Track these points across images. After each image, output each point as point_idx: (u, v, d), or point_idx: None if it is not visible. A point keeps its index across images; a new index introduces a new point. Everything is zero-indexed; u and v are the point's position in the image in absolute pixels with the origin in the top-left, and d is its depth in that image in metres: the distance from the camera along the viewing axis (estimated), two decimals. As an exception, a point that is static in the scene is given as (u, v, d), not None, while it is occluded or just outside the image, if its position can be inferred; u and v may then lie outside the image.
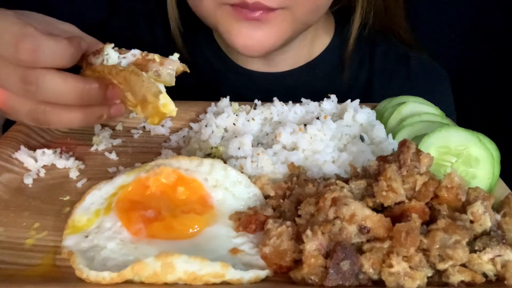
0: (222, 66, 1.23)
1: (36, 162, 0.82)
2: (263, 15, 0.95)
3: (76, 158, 0.84)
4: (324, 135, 0.82)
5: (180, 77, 1.25)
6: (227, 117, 0.90)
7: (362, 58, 1.26)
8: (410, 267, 0.55)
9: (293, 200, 0.68)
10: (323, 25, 1.25)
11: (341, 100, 0.96)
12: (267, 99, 0.97)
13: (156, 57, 0.72)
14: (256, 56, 1.01)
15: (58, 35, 0.67)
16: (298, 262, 0.59)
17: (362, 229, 0.58)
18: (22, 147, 0.84)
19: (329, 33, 1.27)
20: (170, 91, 1.06)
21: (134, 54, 0.72)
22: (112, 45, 0.73)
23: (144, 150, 0.89)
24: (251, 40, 0.98)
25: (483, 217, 0.61)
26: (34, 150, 0.84)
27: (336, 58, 1.24)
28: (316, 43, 1.24)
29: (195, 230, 0.64)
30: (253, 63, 1.21)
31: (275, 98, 0.95)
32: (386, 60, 1.27)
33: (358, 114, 0.89)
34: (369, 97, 1.00)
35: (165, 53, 0.74)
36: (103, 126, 0.95)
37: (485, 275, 0.58)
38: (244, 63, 1.22)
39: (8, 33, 0.64)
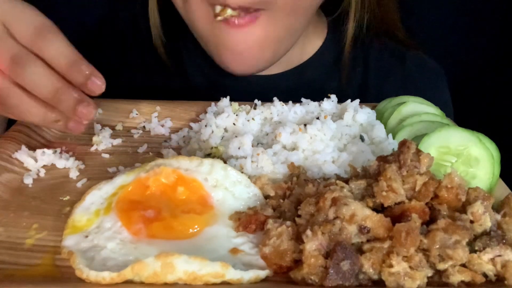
0: (213, 70, 1.22)
1: (36, 162, 0.82)
2: (244, 21, 0.96)
3: (76, 158, 0.84)
4: (324, 135, 0.82)
5: (172, 84, 1.25)
6: (227, 117, 0.90)
7: (356, 60, 1.25)
8: (410, 267, 0.55)
9: (293, 200, 0.68)
10: (315, 27, 1.24)
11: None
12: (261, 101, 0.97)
13: None
14: (246, 70, 1.04)
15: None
16: (298, 262, 0.59)
17: (362, 229, 0.58)
18: (22, 147, 0.84)
19: (321, 35, 1.26)
20: (163, 96, 1.06)
21: None
22: None
23: (144, 150, 0.90)
24: (239, 46, 1.00)
25: (483, 217, 0.61)
26: (34, 150, 0.84)
27: (329, 61, 1.24)
28: (308, 45, 1.24)
29: (195, 230, 0.64)
30: None
31: (275, 98, 0.95)
32: (380, 61, 1.26)
33: (358, 114, 0.89)
34: (364, 99, 1.00)
35: None
36: (103, 126, 0.95)
37: (485, 275, 0.58)
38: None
39: (32, 13, 0.70)
